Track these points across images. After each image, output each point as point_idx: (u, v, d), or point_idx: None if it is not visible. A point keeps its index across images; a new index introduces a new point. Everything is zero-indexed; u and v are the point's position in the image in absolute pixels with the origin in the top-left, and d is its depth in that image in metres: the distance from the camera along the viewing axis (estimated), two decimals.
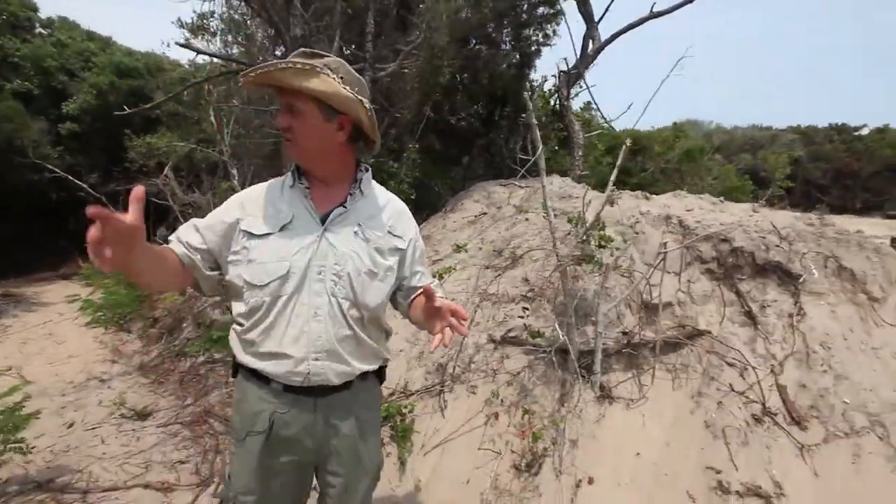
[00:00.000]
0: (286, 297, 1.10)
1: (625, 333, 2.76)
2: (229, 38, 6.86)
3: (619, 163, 2.47)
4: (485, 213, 3.97)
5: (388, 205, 1.27)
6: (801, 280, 2.76)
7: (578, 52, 6.51)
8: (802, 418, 2.27)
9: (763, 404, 2.35)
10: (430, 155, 6.27)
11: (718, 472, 2.16)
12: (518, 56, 5.96)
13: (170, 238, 1.15)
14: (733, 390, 2.44)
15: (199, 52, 4.63)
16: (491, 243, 3.58)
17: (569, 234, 2.67)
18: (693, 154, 7.12)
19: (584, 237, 2.56)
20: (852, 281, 2.76)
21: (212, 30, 7.78)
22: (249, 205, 1.15)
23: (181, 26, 7.33)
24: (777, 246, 2.92)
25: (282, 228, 1.12)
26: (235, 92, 6.15)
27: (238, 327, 1.17)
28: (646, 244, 3.14)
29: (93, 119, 9.17)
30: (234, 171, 5.33)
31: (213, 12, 7.47)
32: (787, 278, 2.81)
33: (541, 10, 5.68)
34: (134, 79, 9.64)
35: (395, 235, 1.24)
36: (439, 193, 6.00)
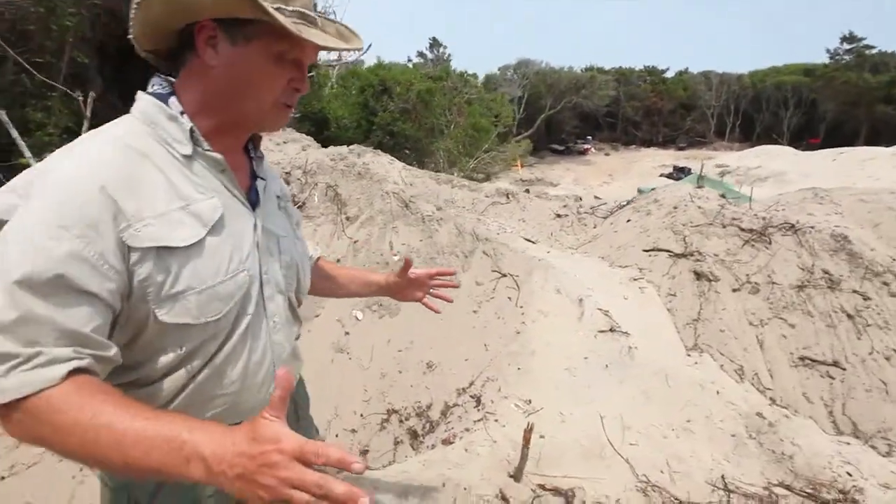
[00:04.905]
0: (249, 318, 0.79)
1: None
2: None
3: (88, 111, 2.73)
4: None
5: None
6: (301, 205, 3.39)
7: None
8: None
9: None
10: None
11: None
12: None
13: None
14: None
15: None
16: None
17: None
18: (423, 95, 7.73)
19: None
20: (340, 204, 3.46)
21: None
22: (129, 198, 0.65)
23: None
24: (298, 179, 3.51)
25: (213, 227, 0.73)
26: None
27: (159, 388, 0.74)
28: None
29: None
30: None
31: None
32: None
33: None
34: None
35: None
36: None
